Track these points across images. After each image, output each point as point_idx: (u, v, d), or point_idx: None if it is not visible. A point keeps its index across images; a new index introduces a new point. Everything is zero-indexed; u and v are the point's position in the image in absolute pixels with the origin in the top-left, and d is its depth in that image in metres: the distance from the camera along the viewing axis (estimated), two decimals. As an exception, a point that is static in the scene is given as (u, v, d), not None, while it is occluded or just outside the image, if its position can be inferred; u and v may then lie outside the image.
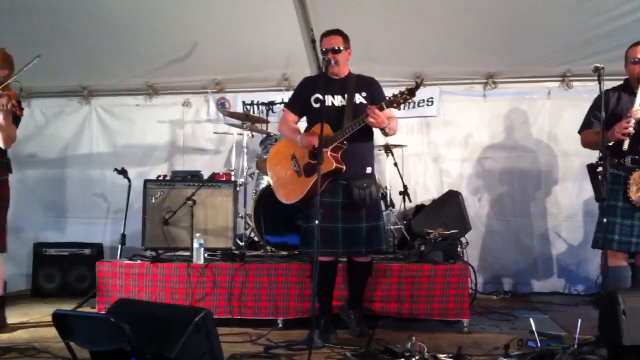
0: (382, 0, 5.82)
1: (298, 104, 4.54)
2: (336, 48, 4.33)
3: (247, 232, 6.01)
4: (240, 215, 5.89)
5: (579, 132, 4.67)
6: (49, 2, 5.93)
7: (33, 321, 5.24)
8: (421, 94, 6.60)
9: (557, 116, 6.64)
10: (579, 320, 3.80)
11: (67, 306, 5.17)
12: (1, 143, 4.73)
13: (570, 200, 6.63)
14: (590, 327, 3.98)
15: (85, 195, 7.43)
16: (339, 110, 4.31)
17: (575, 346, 3.65)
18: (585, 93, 6.05)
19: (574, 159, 6.35)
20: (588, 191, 6.33)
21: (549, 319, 5.16)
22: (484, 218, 6.79)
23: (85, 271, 6.54)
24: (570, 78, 6.58)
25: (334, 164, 4.15)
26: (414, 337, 3.75)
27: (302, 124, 4.59)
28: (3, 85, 4.68)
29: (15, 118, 4.78)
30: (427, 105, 6.86)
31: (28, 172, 7.36)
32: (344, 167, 4.20)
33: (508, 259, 6.71)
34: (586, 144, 4.64)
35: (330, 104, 4.34)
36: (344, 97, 4.35)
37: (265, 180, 5.82)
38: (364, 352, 3.86)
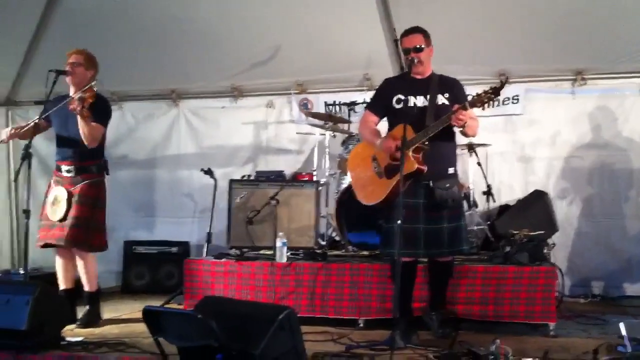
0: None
1: (379, 105, 4.51)
2: (418, 47, 4.29)
3: (329, 231, 6.05)
4: (322, 214, 5.93)
5: None
6: (140, 14, 6.31)
7: (123, 317, 5.45)
8: (506, 92, 6.41)
9: (649, 113, 6.36)
10: (674, 326, 3.64)
11: (156, 302, 5.38)
12: (85, 142, 4.88)
13: (666, 200, 6.33)
14: (686, 333, 3.80)
15: (174, 195, 7.64)
16: (421, 110, 4.26)
17: (669, 353, 3.50)
18: (679, 88, 5.77)
19: (669, 157, 6.08)
20: (684, 191, 6.09)
21: (642, 324, 4.96)
22: (572, 219, 6.54)
23: (173, 269, 6.76)
24: (664, 73, 6.28)
25: (416, 165, 4.10)
26: (498, 340, 3.66)
27: (382, 125, 4.55)
28: (88, 87, 4.83)
29: (102, 116, 4.94)
30: (512, 103, 6.69)
31: (119, 173, 7.58)
32: (426, 169, 4.16)
33: (597, 261, 6.44)
34: None
35: (412, 104, 4.29)
36: (426, 98, 4.29)
37: (347, 181, 5.83)
38: (447, 354, 3.81)
